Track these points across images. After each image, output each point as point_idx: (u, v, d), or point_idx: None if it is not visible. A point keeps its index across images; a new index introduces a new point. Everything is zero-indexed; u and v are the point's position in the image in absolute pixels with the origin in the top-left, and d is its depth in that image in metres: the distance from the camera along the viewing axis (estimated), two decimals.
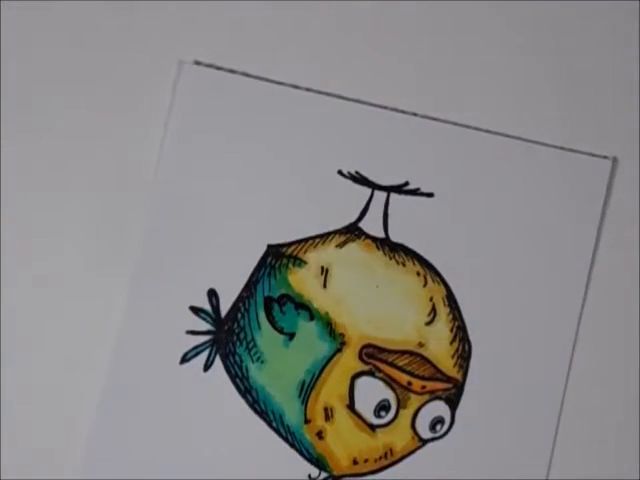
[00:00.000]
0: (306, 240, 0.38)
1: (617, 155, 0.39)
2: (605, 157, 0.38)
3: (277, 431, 0.38)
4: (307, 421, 0.38)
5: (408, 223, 0.39)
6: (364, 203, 0.39)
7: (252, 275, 0.38)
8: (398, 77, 0.39)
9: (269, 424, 0.38)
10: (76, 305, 0.38)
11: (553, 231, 0.38)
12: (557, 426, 0.38)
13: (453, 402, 0.38)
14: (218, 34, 0.39)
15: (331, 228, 0.39)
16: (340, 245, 0.38)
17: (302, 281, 0.38)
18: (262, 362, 0.38)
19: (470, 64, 0.39)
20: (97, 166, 0.38)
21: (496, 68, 0.39)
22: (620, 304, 0.38)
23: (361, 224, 0.39)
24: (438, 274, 0.38)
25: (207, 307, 0.38)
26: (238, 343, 0.38)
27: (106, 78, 0.38)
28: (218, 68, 0.38)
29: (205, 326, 0.38)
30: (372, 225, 0.39)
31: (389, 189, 0.39)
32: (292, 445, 0.38)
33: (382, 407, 0.38)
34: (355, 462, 0.38)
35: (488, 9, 0.39)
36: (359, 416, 0.38)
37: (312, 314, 0.38)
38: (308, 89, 0.38)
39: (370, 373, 0.38)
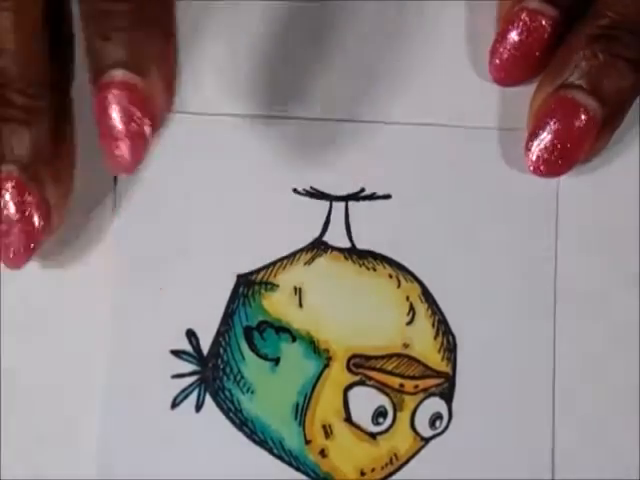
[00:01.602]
0: (274, 263, 0.38)
1: None
2: None
3: (280, 457, 0.38)
4: (307, 442, 0.38)
5: (371, 228, 0.39)
6: (324, 216, 0.39)
7: (227, 308, 0.38)
8: (328, 88, 0.39)
9: (270, 452, 0.37)
10: (60, 360, 0.37)
11: (514, 212, 0.39)
12: (553, 405, 0.38)
13: (448, 396, 0.38)
14: None
15: (296, 247, 0.39)
16: (309, 262, 0.38)
17: (278, 305, 0.38)
18: (252, 392, 0.38)
19: (397, 62, 0.39)
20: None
21: (427, 60, 0.39)
22: (595, 274, 0.39)
23: (325, 237, 0.39)
24: (410, 273, 0.39)
25: (188, 348, 0.38)
26: (225, 378, 0.38)
27: None
28: None
29: (189, 367, 0.38)
30: (336, 237, 0.39)
31: (346, 198, 0.39)
32: (297, 469, 0.38)
33: (379, 414, 0.38)
34: (362, 474, 0.38)
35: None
36: (358, 427, 0.38)
37: (293, 336, 0.38)
38: (240, 115, 0.39)
39: (361, 383, 0.38)
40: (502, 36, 0.38)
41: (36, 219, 0.35)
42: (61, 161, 0.36)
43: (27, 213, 0.35)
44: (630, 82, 0.36)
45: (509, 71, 0.38)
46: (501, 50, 0.38)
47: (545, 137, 0.37)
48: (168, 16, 0.37)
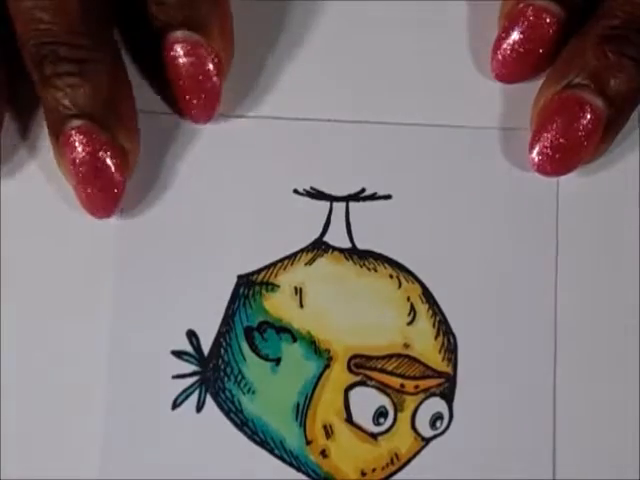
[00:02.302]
0: (275, 264, 0.38)
1: None
2: None
3: (280, 458, 0.37)
4: (308, 442, 0.38)
5: (372, 228, 0.39)
6: (325, 217, 0.39)
7: (228, 308, 0.38)
8: (329, 89, 0.39)
9: (271, 452, 0.37)
10: (61, 360, 0.37)
11: (515, 212, 0.39)
12: (554, 405, 0.38)
13: (448, 396, 0.38)
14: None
15: (297, 247, 0.39)
16: (309, 262, 0.38)
17: (278, 305, 0.38)
18: (253, 393, 0.38)
19: (399, 62, 0.40)
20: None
21: (426, 61, 0.40)
22: (595, 272, 0.39)
23: (326, 238, 0.39)
24: (411, 273, 0.39)
25: (189, 349, 0.38)
26: (226, 378, 0.38)
27: None
28: None
29: (190, 368, 0.38)
30: (337, 237, 0.39)
31: (347, 198, 0.39)
32: (298, 469, 0.38)
33: (380, 414, 0.38)
34: (363, 474, 0.38)
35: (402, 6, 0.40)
36: (359, 427, 0.38)
37: (294, 336, 0.38)
38: (240, 116, 0.39)
39: (362, 383, 0.38)
40: (505, 32, 0.38)
41: (114, 167, 0.36)
42: (124, 104, 0.37)
43: (105, 163, 0.36)
44: (637, 83, 0.36)
45: (511, 68, 0.38)
46: (504, 46, 0.38)
47: (550, 135, 0.37)
48: None
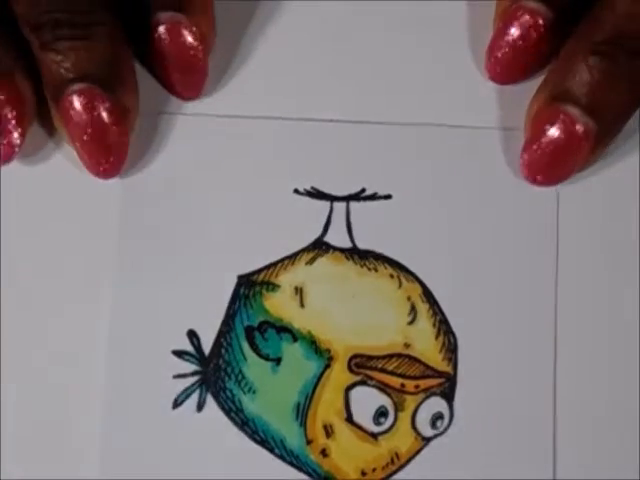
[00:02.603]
0: (275, 264, 0.38)
1: None
2: None
3: (281, 457, 0.38)
4: (309, 442, 0.38)
5: (372, 228, 0.39)
6: (325, 217, 0.39)
7: (228, 308, 0.38)
8: (329, 89, 0.39)
9: (271, 452, 0.37)
10: (61, 360, 0.38)
11: (515, 211, 0.39)
12: (554, 404, 0.38)
13: (449, 396, 0.38)
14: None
15: (298, 247, 0.39)
16: (310, 262, 0.39)
17: (279, 305, 0.38)
18: (254, 392, 0.38)
19: (398, 62, 0.40)
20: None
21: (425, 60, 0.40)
22: (596, 271, 0.39)
23: (326, 238, 0.39)
24: (411, 273, 0.39)
25: (189, 348, 0.38)
26: (227, 378, 0.38)
27: None
28: None
29: (191, 367, 0.38)
30: (337, 237, 0.39)
31: (347, 198, 0.39)
32: (299, 468, 0.38)
33: (380, 414, 0.38)
34: (363, 473, 0.38)
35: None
36: (359, 427, 0.38)
37: (295, 336, 0.38)
38: (240, 116, 0.39)
39: (362, 383, 0.38)
40: (499, 33, 0.38)
41: (117, 128, 0.37)
42: (124, 65, 0.37)
43: (109, 124, 0.36)
44: (626, 100, 0.37)
45: (506, 69, 0.38)
46: (498, 47, 0.38)
47: (539, 148, 0.37)
48: None
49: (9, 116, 0.36)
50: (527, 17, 0.37)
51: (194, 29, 0.37)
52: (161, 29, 0.37)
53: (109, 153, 0.37)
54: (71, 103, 0.36)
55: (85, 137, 0.36)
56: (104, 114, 0.36)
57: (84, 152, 0.37)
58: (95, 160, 0.37)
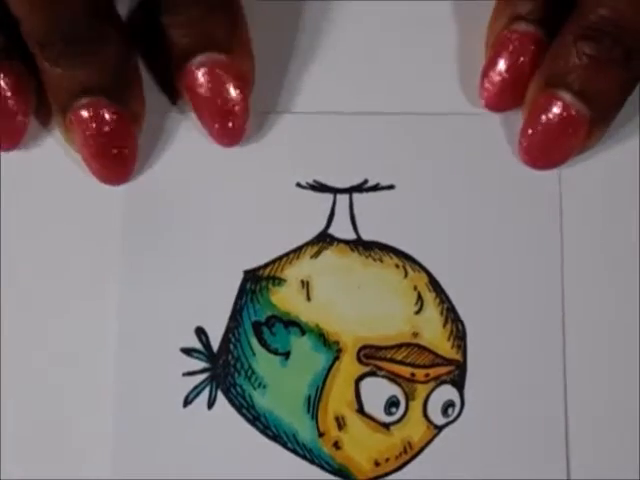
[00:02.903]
0: (280, 258, 0.38)
1: None
2: None
3: (294, 451, 0.37)
4: (321, 434, 0.38)
5: (376, 219, 0.39)
6: (329, 209, 0.39)
7: (235, 304, 0.38)
8: (330, 81, 0.39)
9: (284, 446, 0.37)
10: (68, 359, 0.37)
11: (518, 197, 0.39)
12: (565, 388, 0.38)
13: (459, 383, 0.38)
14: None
15: (302, 241, 0.39)
16: (315, 255, 0.39)
17: (286, 299, 0.38)
18: (264, 387, 0.38)
19: (397, 52, 0.40)
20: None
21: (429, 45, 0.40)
22: (601, 255, 0.39)
23: (331, 230, 0.39)
24: (416, 262, 0.39)
25: (198, 346, 0.38)
26: (236, 374, 0.38)
27: None
28: None
29: (200, 365, 0.38)
30: (342, 229, 0.39)
31: (350, 190, 0.39)
32: (312, 462, 0.38)
33: (391, 404, 0.38)
34: (377, 464, 0.38)
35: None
36: (371, 418, 0.38)
37: (303, 329, 0.38)
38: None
39: (372, 373, 0.38)
40: (492, 61, 0.38)
41: (127, 137, 0.37)
42: (131, 75, 0.37)
43: (117, 134, 0.37)
44: (617, 84, 0.37)
45: (501, 95, 0.38)
46: (491, 74, 0.38)
47: (535, 133, 0.37)
48: None
49: (11, 101, 0.36)
50: (520, 42, 0.37)
51: (235, 72, 0.37)
52: (198, 74, 0.37)
53: (118, 163, 0.37)
54: (80, 117, 0.36)
55: (95, 149, 0.37)
56: (113, 126, 0.36)
57: (94, 163, 0.37)
58: (106, 171, 0.37)
